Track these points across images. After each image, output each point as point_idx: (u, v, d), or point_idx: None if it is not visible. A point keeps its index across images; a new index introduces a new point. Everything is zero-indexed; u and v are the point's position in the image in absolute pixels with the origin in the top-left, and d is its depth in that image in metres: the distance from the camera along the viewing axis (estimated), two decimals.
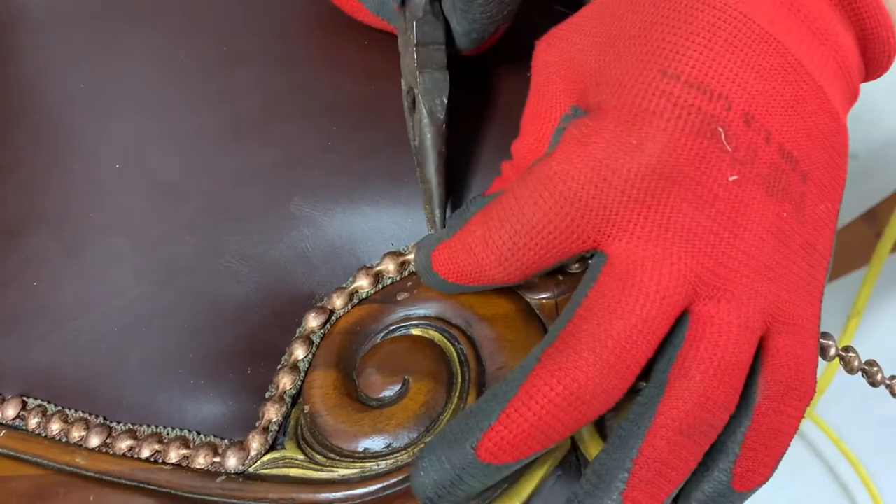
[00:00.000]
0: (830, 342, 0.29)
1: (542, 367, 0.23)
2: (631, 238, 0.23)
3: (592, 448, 0.26)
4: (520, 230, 0.25)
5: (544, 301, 0.30)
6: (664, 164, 0.22)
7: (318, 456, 0.29)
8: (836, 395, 0.75)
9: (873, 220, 0.77)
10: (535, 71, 0.28)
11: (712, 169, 0.23)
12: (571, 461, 0.27)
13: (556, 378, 0.22)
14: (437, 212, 0.31)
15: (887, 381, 0.31)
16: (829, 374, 0.72)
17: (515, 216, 0.25)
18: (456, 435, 0.23)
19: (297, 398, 0.31)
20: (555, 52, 0.27)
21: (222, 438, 0.31)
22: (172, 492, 0.30)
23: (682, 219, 0.23)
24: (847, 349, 0.30)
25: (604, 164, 0.23)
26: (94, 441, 0.32)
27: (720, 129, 0.22)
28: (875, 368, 0.30)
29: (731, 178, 0.23)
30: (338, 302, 0.32)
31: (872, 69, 0.27)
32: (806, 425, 0.79)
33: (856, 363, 0.30)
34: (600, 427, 0.27)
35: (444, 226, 0.31)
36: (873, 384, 0.31)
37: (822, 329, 0.28)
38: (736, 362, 0.23)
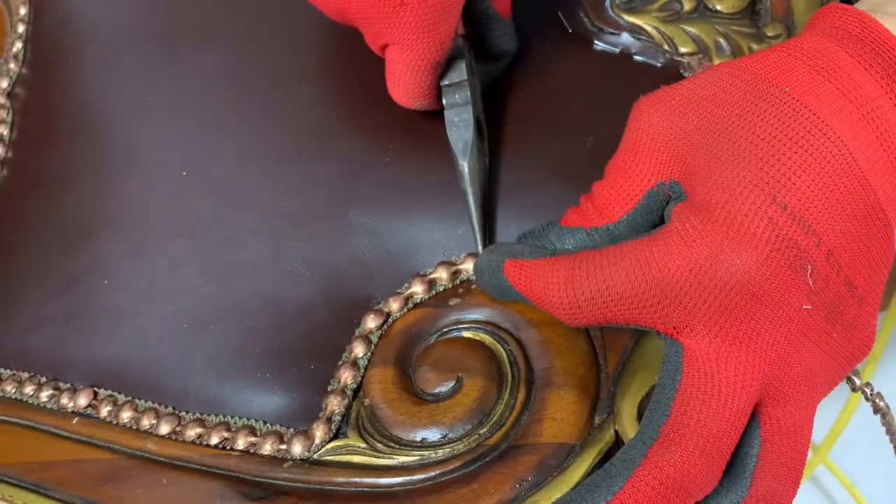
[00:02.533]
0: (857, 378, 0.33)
1: (649, 462, 0.25)
2: (714, 338, 0.26)
3: None
4: (605, 291, 0.27)
5: None
6: (756, 284, 0.25)
7: (378, 444, 0.32)
8: (850, 442, 0.76)
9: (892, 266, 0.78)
10: (637, 127, 0.29)
11: (793, 297, 0.26)
12: (615, 453, 0.30)
13: (666, 473, 0.25)
14: (477, 222, 0.35)
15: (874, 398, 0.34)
16: (843, 421, 0.73)
17: (605, 279, 0.27)
18: None
19: (357, 392, 0.33)
20: (664, 121, 0.28)
21: (288, 427, 0.33)
22: (241, 476, 0.33)
23: (760, 332, 0.26)
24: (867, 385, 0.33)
25: (703, 271, 0.26)
26: (164, 429, 0.35)
27: (808, 266, 0.25)
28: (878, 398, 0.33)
29: (804, 307, 0.26)
30: (394, 305, 0.35)
31: None
32: (819, 471, 0.79)
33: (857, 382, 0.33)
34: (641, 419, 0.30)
35: (484, 233, 0.35)
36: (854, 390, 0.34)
37: None
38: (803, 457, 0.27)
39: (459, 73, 0.36)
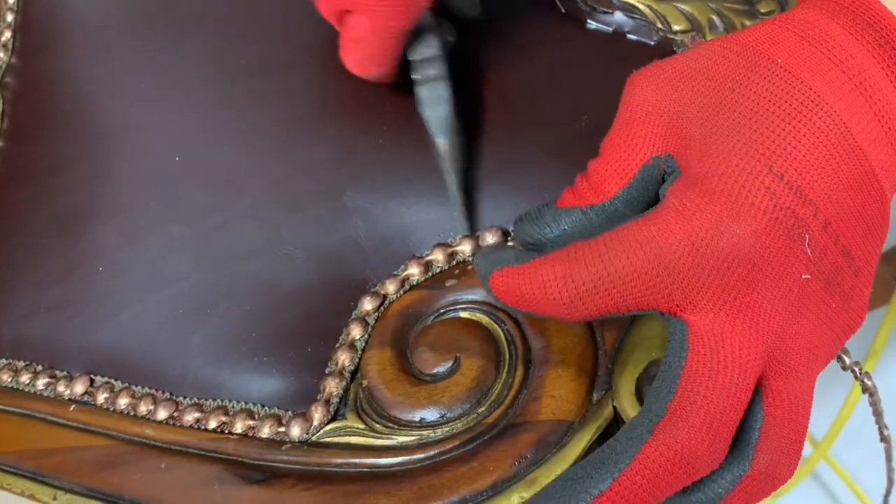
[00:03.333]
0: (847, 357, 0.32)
1: (657, 438, 0.25)
2: (718, 313, 0.26)
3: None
4: (605, 278, 0.27)
5: None
6: (756, 254, 0.25)
7: (377, 425, 0.32)
8: (851, 438, 0.76)
9: (892, 261, 0.78)
10: (631, 101, 0.29)
11: (792, 267, 0.26)
12: (613, 430, 0.30)
13: (674, 449, 0.25)
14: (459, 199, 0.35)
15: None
16: (844, 417, 0.73)
17: (604, 265, 0.27)
18: (562, 500, 0.25)
19: (354, 374, 0.33)
20: (658, 94, 0.28)
21: (286, 410, 0.33)
22: (240, 459, 0.33)
23: (762, 303, 0.26)
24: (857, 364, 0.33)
25: (704, 243, 0.26)
26: (162, 414, 0.34)
27: (806, 235, 0.25)
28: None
29: (804, 277, 0.26)
30: (391, 287, 0.35)
31: None
32: (820, 466, 0.79)
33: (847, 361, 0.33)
34: (640, 398, 0.30)
35: (468, 212, 0.35)
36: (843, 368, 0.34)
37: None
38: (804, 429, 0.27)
39: (431, 47, 0.35)
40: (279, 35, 0.41)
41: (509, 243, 0.34)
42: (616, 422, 0.30)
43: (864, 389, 0.34)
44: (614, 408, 0.30)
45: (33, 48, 0.45)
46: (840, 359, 0.32)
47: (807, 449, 0.81)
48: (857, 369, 0.33)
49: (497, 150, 0.36)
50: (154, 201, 0.40)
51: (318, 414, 0.32)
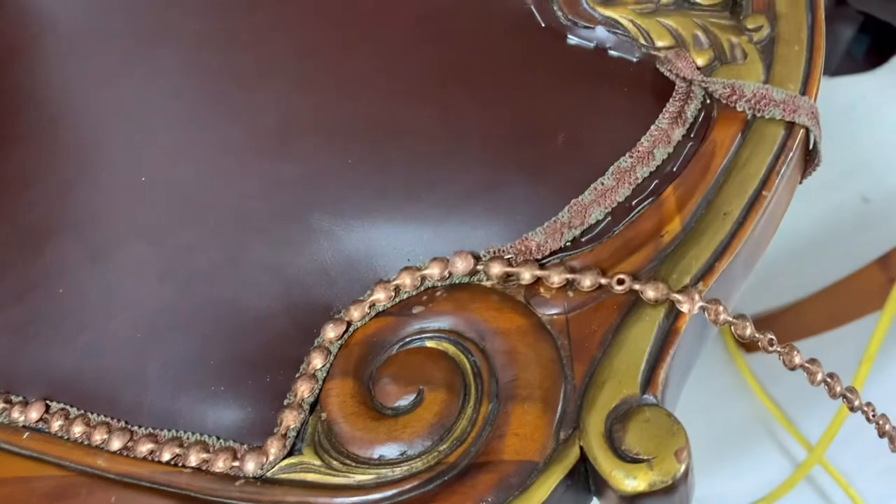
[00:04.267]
0: (818, 368, 0.30)
1: None
2: None
3: (601, 459, 0.27)
4: None
5: (555, 317, 0.31)
6: None
7: (334, 462, 0.30)
8: (846, 442, 0.75)
9: (887, 265, 0.77)
10: None
11: None
12: (581, 471, 0.28)
13: None
14: None
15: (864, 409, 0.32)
16: (839, 421, 0.72)
17: None
18: None
19: (314, 406, 0.32)
20: None
21: (241, 443, 0.32)
22: (192, 494, 0.31)
23: None
24: (830, 375, 0.31)
25: None
26: (116, 444, 0.33)
27: None
28: (853, 395, 0.31)
29: None
30: (355, 314, 0.33)
31: None
32: (815, 471, 0.79)
33: (838, 388, 0.31)
34: (609, 439, 0.28)
35: None
36: (852, 409, 0.31)
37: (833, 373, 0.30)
38: None
39: None
40: (251, 49, 0.40)
41: (479, 267, 0.33)
42: (584, 462, 0.28)
43: (882, 434, 0.32)
44: (581, 448, 0.28)
45: (1, 59, 0.44)
46: (846, 399, 0.31)
47: (801, 453, 0.81)
48: (869, 411, 0.31)
49: (469, 170, 0.35)
50: (119, 219, 0.38)
51: (273, 448, 0.31)
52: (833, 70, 0.92)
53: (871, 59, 0.91)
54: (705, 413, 0.83)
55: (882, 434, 0.32)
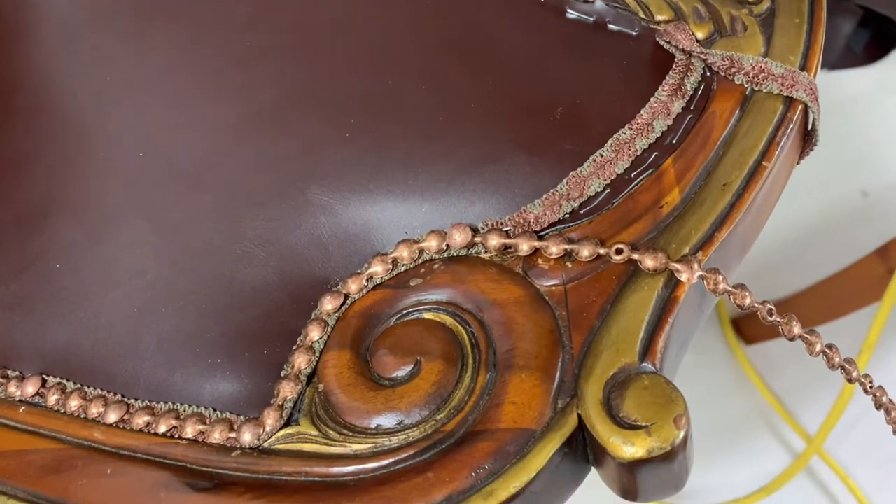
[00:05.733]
0: (817, 339, 0.30)
1: None
2: None
3: (599, 427, 0.27)
4: None
5: (554, 287, 0.31)
6: None
7: (331, 432, 0.30)
8: (845, 433, 0.76)
9: (886, 256, 0.77)
10: None
11: None
12: (578, 439, 0.28)
13: None
14: None
15: (861, 379, 0.31)
16: (838, 412, 0.72)
17: None
18: None
19: (311, 377, 0.32)
20: None
21: (238, 415, 0.32)
22: (188, 465, 0.31)
23: None
24: (830, 346, 0.31)
25: None
26: (112, 417, 0.33)
27: None
28: (851, 366, 0.31)
29: None
30: (353, 286, 0.33)
31: None
32: (814, 461, 0.80)
33: (836, 360, 0.31)
34: (608, 407, 0.28)
35: None
36: (850, 381, 0.31)
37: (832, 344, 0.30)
38: None
39: None
40: (247, 26, 0.40)
41: (477, 240, 0.32)
42: (581, 430, 0.28)
43: (879, 406, 0.32)
44: (579, 415, 0.28)
45: None
46: (844, 370, 0.30)
47: (800, 444, 0.81)
48: (867, 382, 0.31)
49: (467, 144, 0.35)
50: (116, 196, 0.38)
51: (270, 419, 0.31)
52: (832, 64, 0.92)
53: (871, 53, 0.91)
54: (705, 405, 0.83)
55: (879, 406, 0.32)
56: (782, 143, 0.32)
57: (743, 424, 0.84)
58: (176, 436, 0.32)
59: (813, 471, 0.79)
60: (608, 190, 0.33)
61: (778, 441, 0.82)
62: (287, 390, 0.31)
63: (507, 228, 0.33)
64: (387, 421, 0.29)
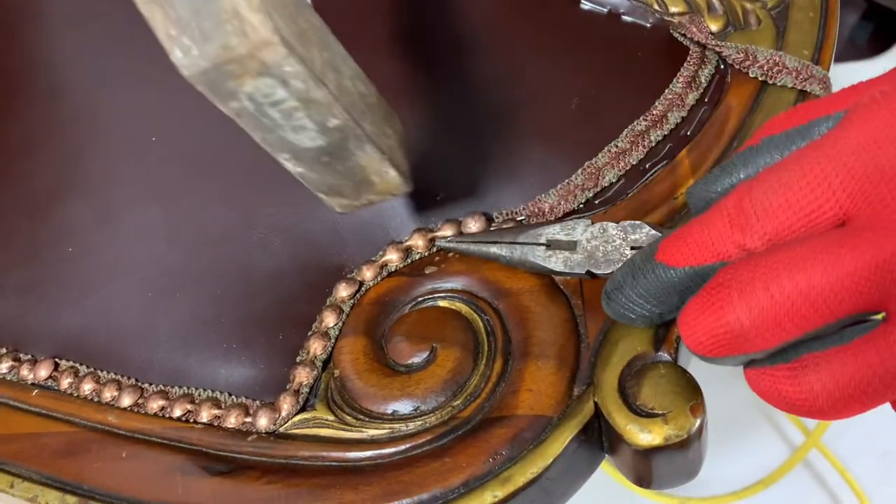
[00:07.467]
0: None
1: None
2: None
3: (616, 414, 0.27)
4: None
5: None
6: None
7: (347, 417, 0.30)
8: (843, 426, 0.75)
9: None
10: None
11: None
12: (594, 427, 0.28)
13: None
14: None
15: None
16: None
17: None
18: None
19: (327, 363, 0.32)
20: None
21: (253, 400, 0.32)
22: (203, 449, 0.31)
23: None
24: None
25: None
26: (126, 401, 0.33)
27: None
28: None
29: None
30: (367, 274, 0.33)
31: None
32: (812, 455, 0.80)
33: None
34: (624, 395, 0.28)
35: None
36: None
37: None
38: None
39: None
40: None
41: (492, 227, 0.33)
42: (597, 418, 0.28)
43: None
44: (595, 403, 0.28)
45: (6, 24, 0.44)
46: None
47: (799, 437, 0.81)
48: None
49: (482, 134, 0.35)
50: (128, 181, 0.38)
51: (286, 404, 0.31)
52: (836, 56, 0.92)
53: (874, 47, 0.91)
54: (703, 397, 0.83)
55: None
56: None
57: (741, 417, 0.84)
58: (191, 420, 0.32)
59: (811, 464, 0.79)
60: (623, 180, 0.33)
61: (776, 434, 0.82)
62: (303, 376, 0.31)
63: (522, 218, 0.33)
64: (403, 407, 0.30)
